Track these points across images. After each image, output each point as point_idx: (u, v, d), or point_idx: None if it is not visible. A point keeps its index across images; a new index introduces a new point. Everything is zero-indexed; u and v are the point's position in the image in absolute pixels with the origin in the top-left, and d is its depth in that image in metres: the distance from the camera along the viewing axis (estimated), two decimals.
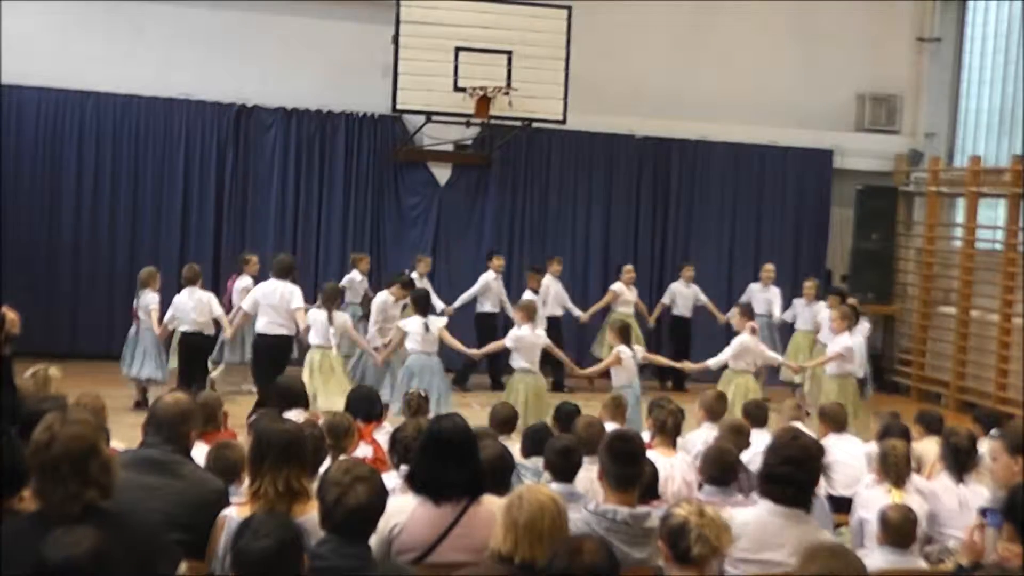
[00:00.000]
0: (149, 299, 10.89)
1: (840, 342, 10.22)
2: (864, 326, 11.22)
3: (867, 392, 11.45)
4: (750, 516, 4.10)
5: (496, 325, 12.73)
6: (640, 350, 10.11)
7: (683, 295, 13.56)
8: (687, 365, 10.92)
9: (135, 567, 3.03)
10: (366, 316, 11.73)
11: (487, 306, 12.94)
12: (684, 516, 3.60)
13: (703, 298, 13.57)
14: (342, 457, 5.65)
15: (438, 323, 10.19)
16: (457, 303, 12.89)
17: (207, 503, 4.07)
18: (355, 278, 12.50)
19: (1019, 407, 11.49)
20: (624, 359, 9.51)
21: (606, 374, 9.85)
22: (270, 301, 10.11)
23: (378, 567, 3.59)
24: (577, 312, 13.30)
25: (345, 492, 3.50)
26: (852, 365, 10.19)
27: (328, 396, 9.43)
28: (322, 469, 5.12)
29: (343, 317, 10.36)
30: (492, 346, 10.59)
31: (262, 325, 10.19)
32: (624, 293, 13.32)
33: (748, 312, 10.62)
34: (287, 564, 3.11)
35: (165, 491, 4.00)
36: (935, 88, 15.09)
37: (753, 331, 10.11)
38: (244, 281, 11.48)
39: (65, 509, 3.19)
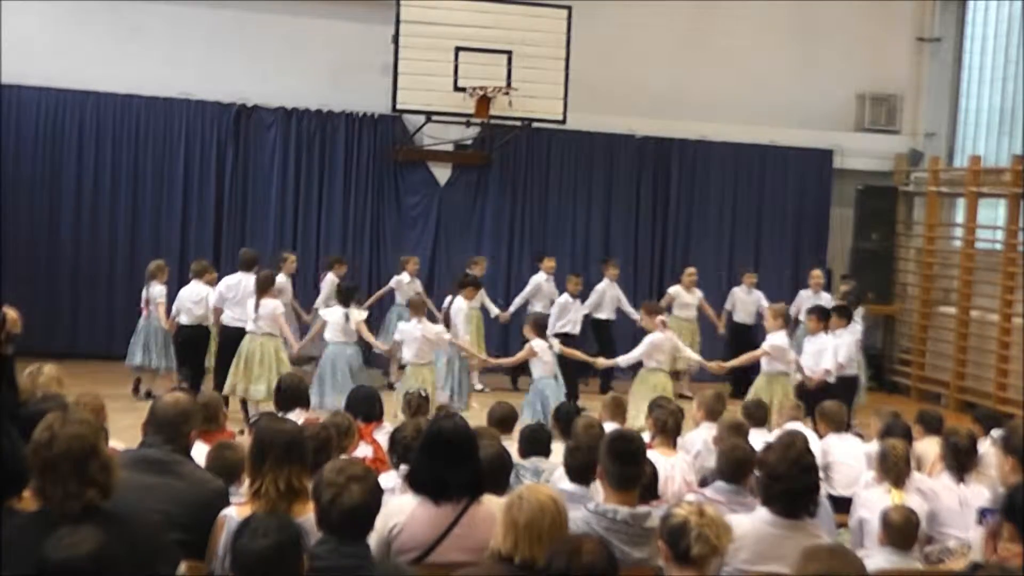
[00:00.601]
0: (157, 291, 11.15)
1: (771, 340, 9.97)
2: (856, 327, 11.03)
3: (859, 398, 11.10)
4: (748, 526, 4.07)
5: (613, 331, 12.69)
6: (555, 343, 10.14)
7: (743, 301, 13.24)
8: (600, 361, 10.69)
9: (135, 567, 3.03)
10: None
11: (603, 313, 12.82)
12: (684, 516, 3.60)
13: (765, 304, 12.72)
14: (343, 457, 5.67)
15: (357, 315, 10.36)
16: (512, 308, 12.94)
17: (207, 503, 4.07)
18: (403, 279, 12.65)
19: (1019, 407, 11.48)
20: (539, 352, 9.66)
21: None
22: (234, 295, 10.39)
23: (377, 566, 3.59)
24: (635, 315, 12.78)
25: (340, 492, 3.50)
26: (783, 364, 9.86)
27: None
28: None
29: (359, 316, 10.38)
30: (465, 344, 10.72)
31: (226, 319, 10.48)
32: (682, 296, 12.99)
33: (655, 310, 10.27)
34: (287, 564, 3.11)
35: (165, 491, 4.00)
36: (935, 88, 15.09)
37: (664, 326, 9.90)
38: (280, 280, 11.67)
39: (65, 509, 3.20)
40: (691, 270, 13.27)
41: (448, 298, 11.53)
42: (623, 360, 10.13)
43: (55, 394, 5.00)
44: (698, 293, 13.12)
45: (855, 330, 10.92)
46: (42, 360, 6.08)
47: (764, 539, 4.06)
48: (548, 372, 9.68)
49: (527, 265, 13.86)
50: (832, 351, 10.05)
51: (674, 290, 13.10)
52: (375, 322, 12.45)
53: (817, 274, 13.12)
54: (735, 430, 6.24)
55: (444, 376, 10.53)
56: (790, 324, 10.48)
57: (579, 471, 5.01)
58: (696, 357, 10.74)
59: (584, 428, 6.02)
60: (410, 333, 9.96)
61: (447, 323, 10.80)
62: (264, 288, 10.17)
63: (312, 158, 13.86)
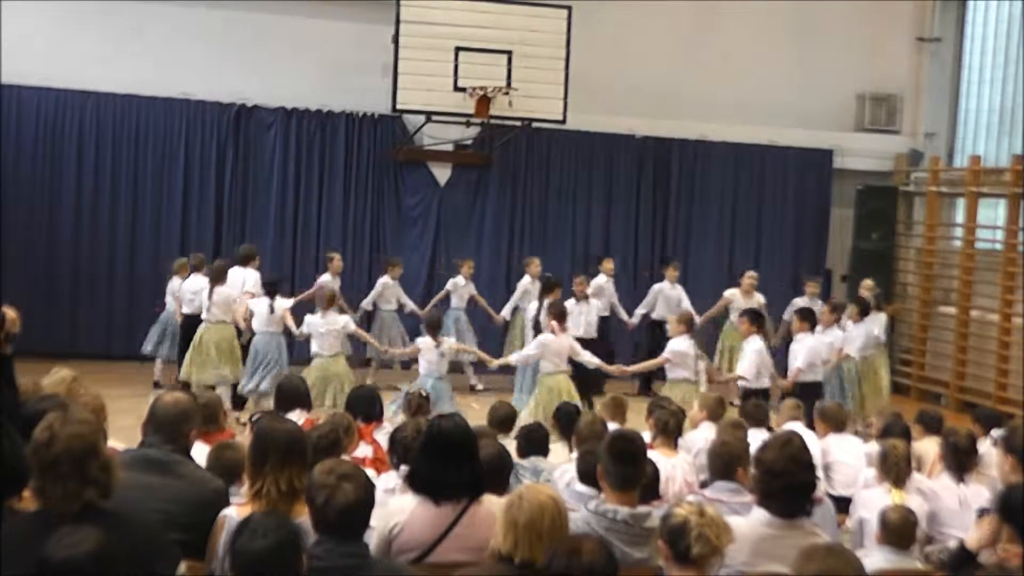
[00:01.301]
0: (174, 286, 11.69)
1: (672, 346, 9.83)
2: (836, 333, 10.90)
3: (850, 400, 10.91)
4: (746, 528, 4.06)
5: (664, 333, 12.22)
6: (449, 341, 10.14)
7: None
8: (493, 362, 10.57)
9: (136, 567, 3.03)
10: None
11: (659, 313, 12.77)
12: (684, 516, 3.60)
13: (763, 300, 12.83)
14: (343, 457, 5.67)
15: (283, 305, 10.54)
16: (504, 312, 12.94)
17: (207, 503, 4.07)
18: (459, 282, 12.74)
19: (1019, 407, 11.49)
20: (424, 349, 9.86)
21: None
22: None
23: (376, 566, 3.59)
24: (625, 317, 13.01)
25: (333, 492, 3.49)
26: (686, 371, 9.68)
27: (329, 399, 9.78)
28: None
29: (344, 319, 10.47)
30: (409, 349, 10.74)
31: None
32: (737, 299, 12.60)
33: (559, 313, 10.07)
34: (286, 564, 3.11)
35: (165, 491, 4.00)
36: (935, 88, 15.09)
37: (554, 330, 9.80)
38: (325, 278, 12.19)
39: (64, 508, 3.20)
40: (752, 274, 12.83)
41: (534, 304, 11.67)
42: (515, 359, 10.21)
43: (54, 394, 5.00)
44: (759, 297, 12.59)
45: (837, 337, 10.87)
46: (43, 360, 6.08)
47: (762, 540, 4.05)
48: (431, 371, 9.85)
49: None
50: (806, 352, 9.89)
51: (730, 293, 12.74)
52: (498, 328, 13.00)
53: (812, 284, 12.90)
54: (732, 428, 6.23)
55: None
56: (694, 328, 10.16)
57: (592, 474, 5.03)
58: (596, 360, 10.21)
59: (587, 426, 6.04)
60: (316, 326, 10.18)
61: (537, 328, 10.90)
62: (217, 278, 10.74)
63: (312, 158, 13.86)
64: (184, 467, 4.20)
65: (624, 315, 13.10)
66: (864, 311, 11.40)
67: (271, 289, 10.70)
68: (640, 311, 13.15)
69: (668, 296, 13.00)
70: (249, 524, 3.23)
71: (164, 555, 3.40)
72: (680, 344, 9.75)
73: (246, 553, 3.10)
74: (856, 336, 11.22)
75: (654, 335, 12.72)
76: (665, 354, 9.90)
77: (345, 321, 10.51)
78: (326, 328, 10.18)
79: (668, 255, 14.45)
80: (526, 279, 12.88)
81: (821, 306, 12.04)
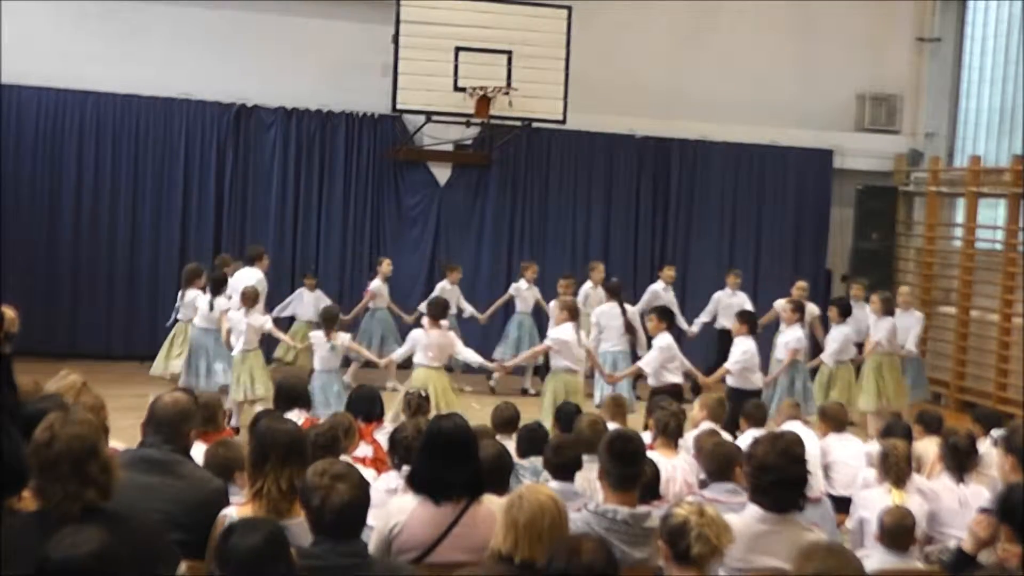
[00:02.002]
0: (191, 296, 11.33)
1: (553, 334, 9.65)
2: (794, 333, 10.66)
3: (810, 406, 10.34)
4: (739, 525, 4.06)
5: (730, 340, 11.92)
6: (345, 337, 10.11)
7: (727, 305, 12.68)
8: (380, 360, 10.66)
9: (136, 567, 3.02)
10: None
11: (724, 321, 12.27)
12: (684, 516, 3.60)
13: (748, 306, 12.45)
14: (343, 457, 5.67)
15: (222, 305, 10.56)
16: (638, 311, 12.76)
17: (207, 502, 4.07)
18: (521, 286, 12.75)
19: (1019, 407, 11.50)
20: (315, 344, 9.98)
21: None
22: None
23: (375, 565, 3.59)
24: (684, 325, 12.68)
25: (328, 494, 3.49)
26: (569, 360, 9.50)
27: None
28: None
29: (343, 337, 10.23)
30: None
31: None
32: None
33: (434, 311, 10.00)
34: (278, 558, 3.11)
35: (165, 491, 4.00)
36: (935, 88, 15.09)
37: (434, 324, 9.80)
38: (376, 283, 12.31)
39: (64, 508, 3.20)
40: (802, 284, 12.34)
41: (599, 307, 11.47)
42: (397, 355, 10.19)
43: (54, 394, 5.00)
44: (812, 308, 12.11)
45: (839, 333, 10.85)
46: (42, 360, 6.08)
47: (755, 536, 4.06)
48: (322, 366, 9.91)
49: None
50: (739, 354, 9.71)
51: (781, 304, 12.02)
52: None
53: (801, 285, 12.53)
54: (708, 435, 6.20)
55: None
56: (578, 316, 9.92)
57: (564, 468, 5.06)
58: (477, 358, 10.11)
59: (588, 425, 6.05)
60: (238, 323, 10.22)
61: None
62: (189, 280, 10.96)
63: (312, 158, 13.85)
64: (184, 467, 4.21)
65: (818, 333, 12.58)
66: (844, 313, 10.96)
67: (216, 288, 10.62)
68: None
69: (667, 299, 12.69)
70: (236, 527, 3.24)
71: (164, 556, 3.40)
72: (562, 332, 9.57)
73: (240, 550, 3.10)
74: (832, 339, 10.87)
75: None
76: (547, 341, 9.79)
77: (264, 321, 10.39)
78: (248, 324, 10.23)
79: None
80: (522, 283, 12.84)
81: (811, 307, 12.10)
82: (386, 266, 12.65)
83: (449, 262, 12.98)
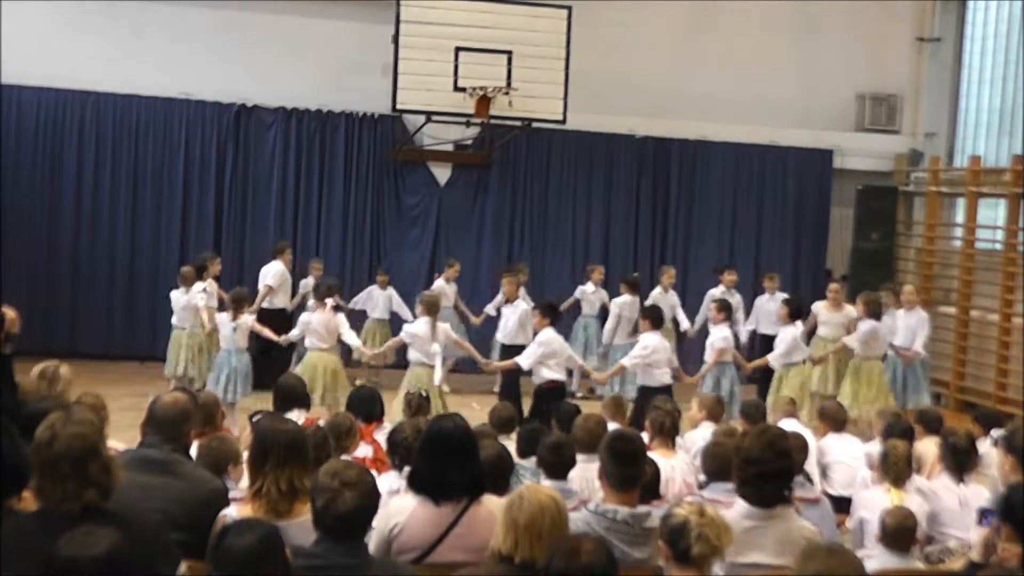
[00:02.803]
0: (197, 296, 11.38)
1: (408, 328, 9.81)
2: (722, 332, 10.52)
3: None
4: (728, 520, 4.07)
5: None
6: (248, 319, 10.27)
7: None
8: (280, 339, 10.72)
9: (139, 568, 3.02)
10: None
11: (765, 328, 12.09)
12: (685, 516, 3.60)
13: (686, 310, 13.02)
14: (344, 457, 5.67)
15: (198, 299, 10.93)
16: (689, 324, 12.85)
17: (207, 502, 4.07)
18: (587, 289, 12.83)
19: (1019, 407, 11.49)
20: (220, 324, 10.28)
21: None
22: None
23: (375, 566, 3.59)
24: (686, 324, 12.83)
25: (333, 499, 3.49)
26: (422, 354, 9.56)
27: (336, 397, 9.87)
28: None
29: (247, 320, 10.27)
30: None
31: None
32: (824, 313, 11.89)
33: (320, 293, 10.42)
34: (272, 558, 3.11)
35: (165, 491, 4.00)
36: (935, 88, 15.09)
37: (319, 308, 10.20)
38: (439, 284, 12.52)
39: (65, 508, 3.20)
40: (835, 286, 12.16)
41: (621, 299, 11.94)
42: (354, 345, 10.45)
43: (55, 394, 5.01)
44: (850, 311, 11.64)
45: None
46: (42, 360, 6.07)
47: (744, 532, 4.06)
48: (225, 344, 10.19)
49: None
50: (639, 349, 9.70)
51: (817, 307, 12.09)
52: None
53: (770, 277, 12.75)
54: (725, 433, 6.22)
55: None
56: (437, 312, 9.80)
57: (560, 467, 5.07)
58: (357, 341, 10.41)
59: (584, 426, 6.04)
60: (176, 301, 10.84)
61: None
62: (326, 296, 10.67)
63: (312, 158, 13.86)
64: (184, 467, 4.21)
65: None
66: (795, 313, 10.60)
67: (190, 281, 11.05)
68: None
69: (667, 303, 12.64)
70: (231, 527, 3.24)
71: (165, 556, 3.40)
72: (415, 327, 9.59)
73: (235, 550, 3.10)
74: (780, 340, 10.67)
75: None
76: (401, 334, 9.84)
77: (246, 319, 10.34)
78: (184, 302, 10.94)
79: (666, 257, 14.50)
80: (588, 285, 12.87)
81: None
82: (453, 271, 12.78)
83: (517, 267, 12.91)
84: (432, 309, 9.68)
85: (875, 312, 10.85)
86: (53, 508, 3.22)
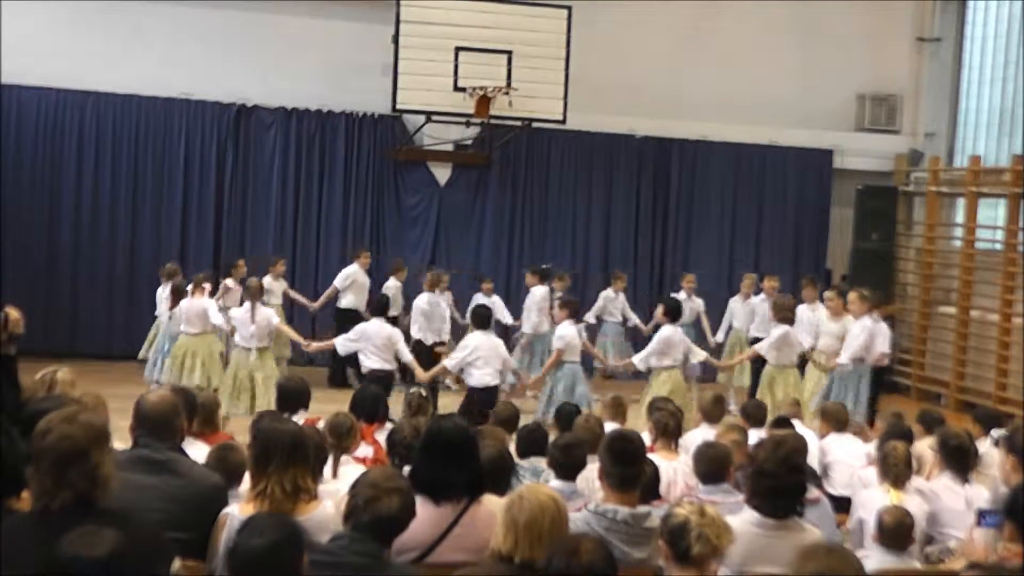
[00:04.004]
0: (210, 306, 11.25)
1: (357, 327, 9.84)
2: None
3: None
4: (737, 528, 3.99)
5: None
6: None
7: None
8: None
9: (140, 568, 3.02)
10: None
11: (805, 339, 10.81)
12: (685, 515, 3.60)
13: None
14: (344, 457, 5.67)
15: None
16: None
17: (207, 499, 4.06)
18: (609, 295, 12.75)
19: (1019, 407, 11.49)
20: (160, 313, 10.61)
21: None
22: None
23: (388, 566, 3.59)
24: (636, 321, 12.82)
25: (379, 497, 3.52)
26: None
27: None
28: (326, 470, 5.14)
29: (267, 312, 10.29)
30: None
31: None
32: (823, 323, 10.94)
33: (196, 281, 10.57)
34: (282, 564, 3.10)
35: (165, 490, 3.99)
36: (935, 88, 15.09)
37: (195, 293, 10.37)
38: (479, 297, 12.66)
39: (46, 503, 3.18)
40: (831, 293, 11.06)
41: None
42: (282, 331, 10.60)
43: (58, 394, 5.00)
44: (849, 319, 10.65)
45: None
46: (42, 360, 6.07)
47: (753, 541, 4.05)
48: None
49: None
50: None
51: (800, 311, 11.37)
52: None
53: (747, 281, 12.76)
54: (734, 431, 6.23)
55: None
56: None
57: (570, 467, 5.05)
58: (221, 321, 10.38)
59: (583, 426, 6.04)
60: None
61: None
62: (256, 296, 10.51)
63: (312, 158, 13.86)
64: (181, 464, 4.19)
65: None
66: (672, 314, 10.13)
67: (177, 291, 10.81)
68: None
69: (691, 307, 12.64)
70: (251, 522, 3.22)
71: (161, 554, 3.39)
72: (368, 326, 9.64)
73: (243, 551, 3.10)
74: (654, 340, 10.21)
75: None
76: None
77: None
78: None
79: (666, 257, 14.52)
80: (609, 291, 12.81)
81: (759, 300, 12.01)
82: (486, 283, 12.97)
83: (618, 273, 13.02)
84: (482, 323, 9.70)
85: (787, 317, 10.27)
86: (37, 500, 3.21)
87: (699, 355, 10.38)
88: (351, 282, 12.54)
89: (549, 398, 9.69)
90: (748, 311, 12.35)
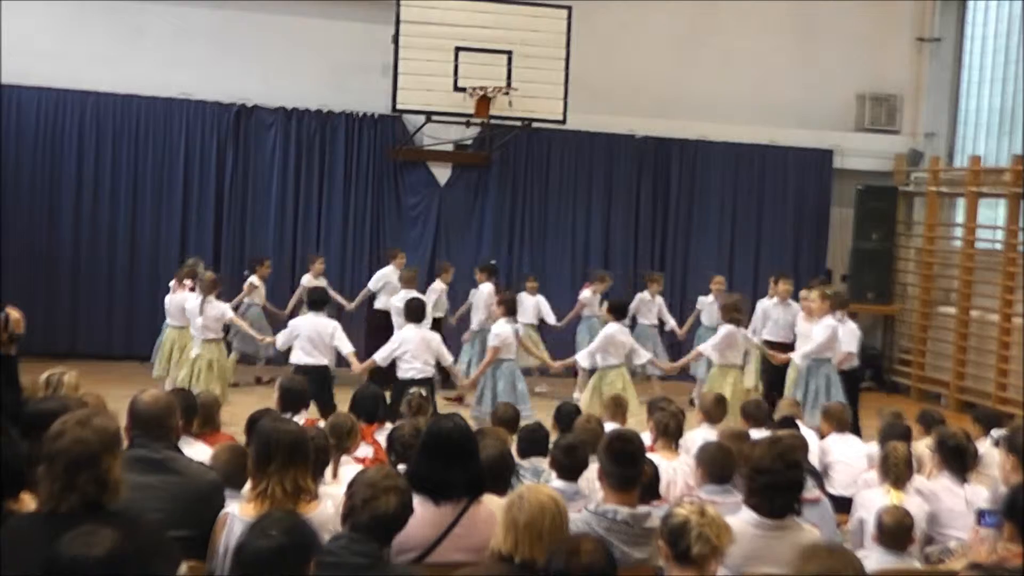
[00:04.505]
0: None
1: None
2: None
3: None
4: (736, 527, 3.96)
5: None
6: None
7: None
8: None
9: (142, 568, 3.02)
10: None
11: (855, 350, 10.30)
12: (685, 515, 3.59)
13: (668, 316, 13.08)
14: (344, 458, 5.67)
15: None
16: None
17: (205, 496, 4.07)
18: (645, 297, 12.85)
19: (1019, 407, 11.49)
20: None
21: None
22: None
23: (388, 567, 3.59)
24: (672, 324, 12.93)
25: (377, 496, 3.53)
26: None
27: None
28: (328, 470, 5.14)
29: (220, 307, 10.40)
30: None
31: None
32: (800, 325, 10.83)
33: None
34: (287, 566, 3.09)
35: (162, 489, 3.99)
36: (935, 88, 15.09)
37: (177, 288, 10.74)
38: (586, 295, 12.81)
39: (53, 505, 3.19)
40: (811, 293, 10.72)
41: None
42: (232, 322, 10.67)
43: (59, 395, 5.00)
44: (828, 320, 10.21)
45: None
46: (42, 360, 6.07)
47: (751, 541, 4.05)
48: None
49: (527, 265, 13.90)
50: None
51: (762, 305, 11.75)
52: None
53: (718, 280, 12.81)
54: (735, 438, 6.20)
55: None
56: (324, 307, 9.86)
57: (572, 468, 5.05)
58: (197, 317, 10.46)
59: (583, 426, 6.04)
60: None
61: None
62: (211, 290, 10.48)
63: (312, 158, 13.86)
64: (178, 463, 4.19)
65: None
66: (618, 312, 10.14)
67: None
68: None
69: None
70: (261, 522, 3.20)
71: (165, 556, 3.39)
72: (301, 319, 9.70)
73: (248, 551, 3.09)
74: (597, 337, 10.33)
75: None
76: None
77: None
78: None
79: (665, 257, 14.53)
80: (645, 294, 12.84)
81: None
82: (531, 282, 12.83)
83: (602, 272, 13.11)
84: (510, 308, 9.85)
85: (734, 318, 10.03)
86: (44, 502, 3.21)
87: (643, 356, 10.36)
88: (384, 283, 12.50)
89: (482, 396, 9.68)
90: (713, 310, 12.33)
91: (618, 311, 10.24)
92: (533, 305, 12.50)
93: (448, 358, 9.65)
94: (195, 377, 9.98)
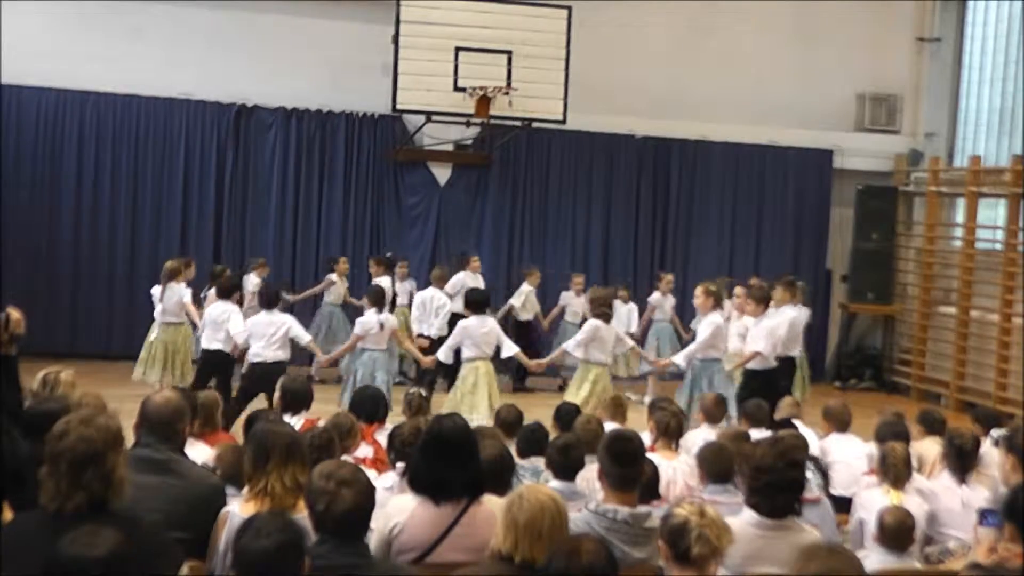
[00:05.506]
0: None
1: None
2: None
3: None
4: (736, 528, 3.97)
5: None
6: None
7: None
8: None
9: (143, 568, 3.03)
10: None
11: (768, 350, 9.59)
12: (685, 516, 3.59)
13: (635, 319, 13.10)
14: (344, 457, 5.66)
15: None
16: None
17: (206, 500, 4.07)
18: (656, 298, 12.98)
19: (1019, 407, 11.49)
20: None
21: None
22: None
23: (377, 566, 3.59)
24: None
25: (332, 499, 3.50)
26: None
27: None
28: None
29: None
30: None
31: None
32: (572, 301, 13.02)
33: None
34: (287, 565, 3.10)
35: (166, 491, 4.00)
36: (935, 88, 15.09)
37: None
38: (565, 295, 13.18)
39: (58, 505, 3.19)
40: (749, 291, 10.18)
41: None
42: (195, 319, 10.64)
43: (60, 395, 5.00)
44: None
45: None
46: (42, 360, 6.07)
47: (752, 541, 4.04)
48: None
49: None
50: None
51: (654, 298, 12.73)
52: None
53: (622, 288, 12.96)
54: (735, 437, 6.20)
55: None
56: (277, 304, 9.86)
57: (569, 468, 5.05)
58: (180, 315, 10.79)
59: (583, 426, 6.04)
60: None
61: None
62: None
63: (312, 158, 13.86)
64: (182, 465, 4.21)
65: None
66: (478, 308, 9.80)
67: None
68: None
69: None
70: (254, 523, 3.22)
71: (166, 556, 3.40)
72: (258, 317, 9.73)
73: (248, 552, 3.10)
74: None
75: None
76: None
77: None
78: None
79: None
80: (656, 295, 13.05)
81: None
82: (623, 291, 12.91)
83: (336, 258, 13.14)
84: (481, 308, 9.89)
85: (603, 312, 9.62)
86: (48, 502, 3.22)
87: (627, 343, 10.37)
88: (461, 288, 12.20)
89: (345, 385, 10.01)
90: (669, 307, 12.96)
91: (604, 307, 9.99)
92: (625, 313, 12.54)
93: (306, 337, 9.82)
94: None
